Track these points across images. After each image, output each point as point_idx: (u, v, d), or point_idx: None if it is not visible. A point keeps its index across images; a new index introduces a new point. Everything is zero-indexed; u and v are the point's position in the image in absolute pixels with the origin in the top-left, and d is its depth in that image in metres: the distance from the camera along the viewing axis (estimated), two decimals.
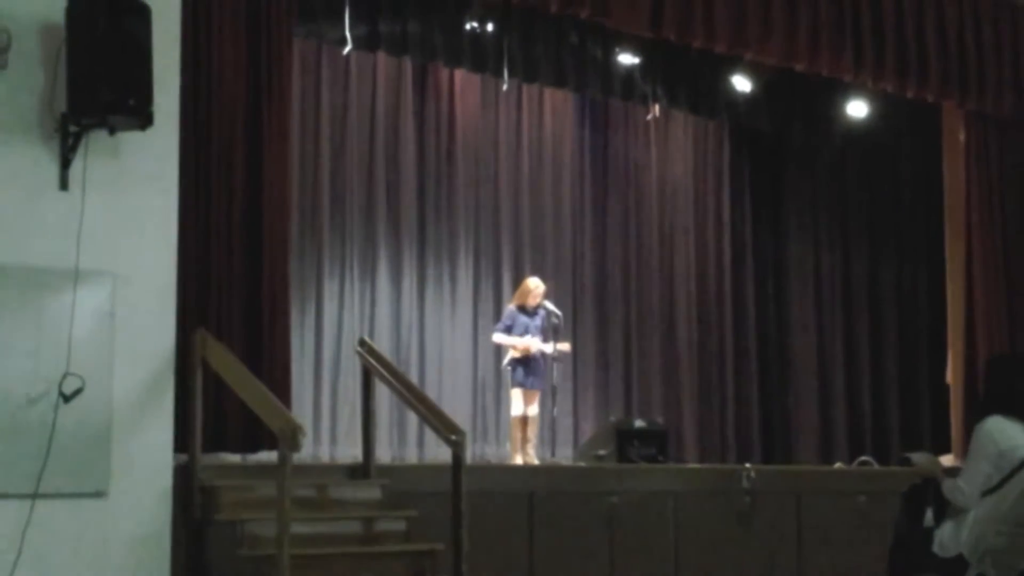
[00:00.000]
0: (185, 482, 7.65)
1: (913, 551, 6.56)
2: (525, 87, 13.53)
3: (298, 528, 7.19)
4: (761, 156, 15.04)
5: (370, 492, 8.32)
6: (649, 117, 13.96)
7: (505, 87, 13.05)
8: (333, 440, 12.25)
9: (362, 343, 8.95)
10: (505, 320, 11.78)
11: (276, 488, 6.90)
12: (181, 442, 7.67)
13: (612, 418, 12.57)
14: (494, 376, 13.04)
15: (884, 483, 10.67)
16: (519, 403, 11.56)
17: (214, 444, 8.18)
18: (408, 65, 12.90)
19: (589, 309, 13.99)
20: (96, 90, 7.00)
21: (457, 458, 8.00)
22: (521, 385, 11.56)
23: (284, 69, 8.92)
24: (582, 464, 11.34)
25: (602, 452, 11.15)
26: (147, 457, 7.39)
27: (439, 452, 10.83)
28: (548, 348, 11.59)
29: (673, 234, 14.48)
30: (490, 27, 12.03)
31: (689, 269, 14.48)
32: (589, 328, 13.92)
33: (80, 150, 7.21)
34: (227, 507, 7.62)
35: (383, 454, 11.20)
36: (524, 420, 11.54)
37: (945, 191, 12.79)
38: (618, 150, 14.32)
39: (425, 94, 13.20)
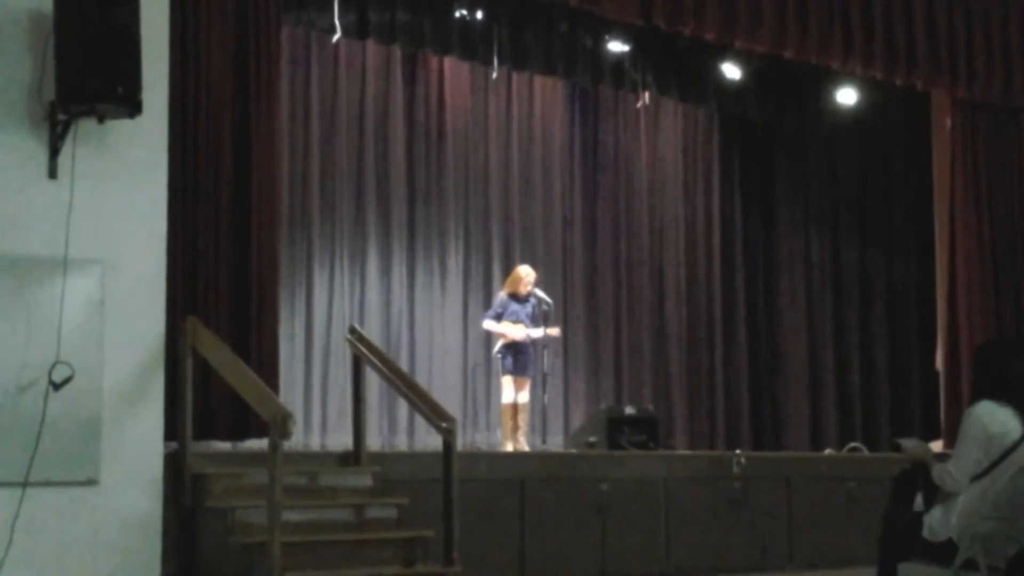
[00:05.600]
0: (175, 470, 7.65)
1: (903, 536, 6.57)
2: (515, 75, 13.54)
3: (289, 515, 7.21)
4: (751, 144, 15.05)
5: (361, 479, 8.33)
6: (639, 105, 13.97)
7: (495, 75, 13.07)
8: (324, 428, 12.26)
9: (352, 331, 8.95)
10: (496, 307, 11.79)
11: (267, 475, 6.92)
12: (171, 430, 7.68)
13: (602, 405, 12.58)
14: (484, 363, 13.04)
15: (874, 469, 10.73)
16: (509, 390, 11.58)
17: (204, 432, 8.20)
18: (397, 53, 12.89)
19: (579, 297, 14.00)
20: (85, 78, 6.99)
21: (448, 445, 8.01)
22: (511, 372, 11.58)
23: (272, 57, 8.92)
24: (573, 451, 11.35)
25: (593, 439, 11.16)
26: (137, 445, 7.39)
27: (429, 439, 10.82)
28: (538, 334, 11.59)
29: (663, 222, 14.49)
30: (479, 15, 12.05)
31: (679, 257, 14.49)
32: (579, 316, 13.93)
33: (69, 138, 7.20)
34: (218, 494, 7.62)
35: (374, 442, 11.20)
36: (514, 407, 11.55)
37: (934, 178, 12.81)
38: (608, 138, 14.32)
39: (414, 82, 13.19)
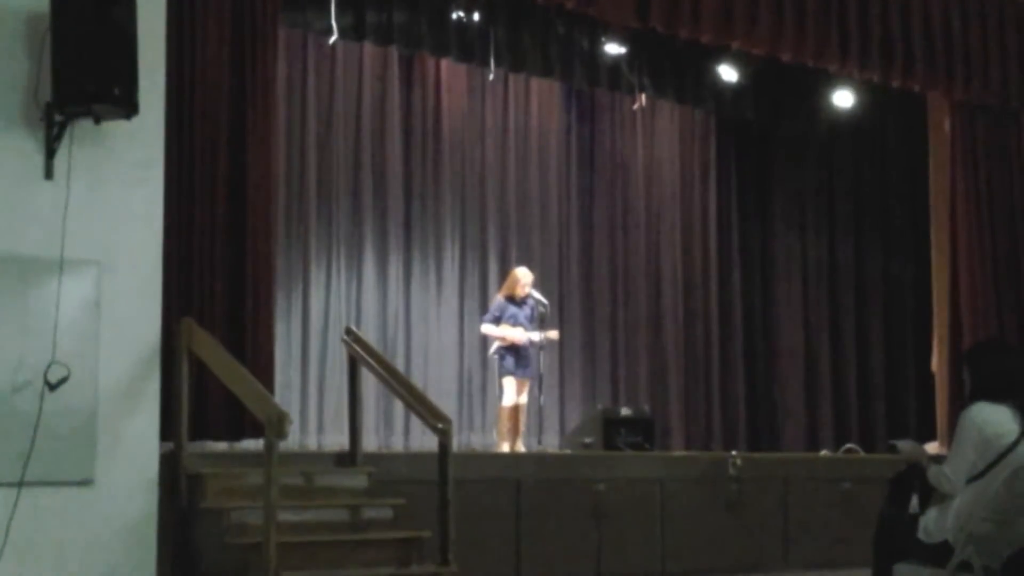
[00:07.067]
0: (171, 470, 7.65)
1: (898, 537, 6.57)
2: (511, 77, 13.54)
3: (285, 516, 7.20)
4: (747, 146, 15.07)
5: (357, 480, 8.33)
6: (635, 107, 13.98)
7: (491, 77, 13.08)
8: (320, 428, 12.26)
9: (348, 332, 8.96)
10: (494, 311, 11.75)
11: (263, 476, 6.91)
12: (167, 430, 7.68)
13: (599, 406, 12.58)
14: (480, 365, 13.05)
15: (870, 470, 10.72)
16: (511, 392, 11.51)
17: (200, 432, 8.19)
18: (394, 55, 12.90)
19: (576, 298, 14.00)
20: (81, 79, 6.98)
21: (444, 446, 8.02)
22: (513, 373, 11.52)
23: (269, 58, 8.90)
24: (569, 452, 11.36)
25: (589, 440, 11.16)
26: (133, 445, 7.39)
27: (425, 440, 10.85)
28: (536, 336, 11.57)
29: (659, 223, 14.50)
30: (476, 17, 12.07)
31: (675, 258, 14.50)
32: (576, 317, 13.93)
33: (65, 139, 7.20)
34: (213, 495, 7.63)
35: (369, 442, 11.19)
36: (516, 409, 11.50)
37: (931, 181, 12.81)
38: (604, 140, 14.33)
39: (411, 84, 13.19)
